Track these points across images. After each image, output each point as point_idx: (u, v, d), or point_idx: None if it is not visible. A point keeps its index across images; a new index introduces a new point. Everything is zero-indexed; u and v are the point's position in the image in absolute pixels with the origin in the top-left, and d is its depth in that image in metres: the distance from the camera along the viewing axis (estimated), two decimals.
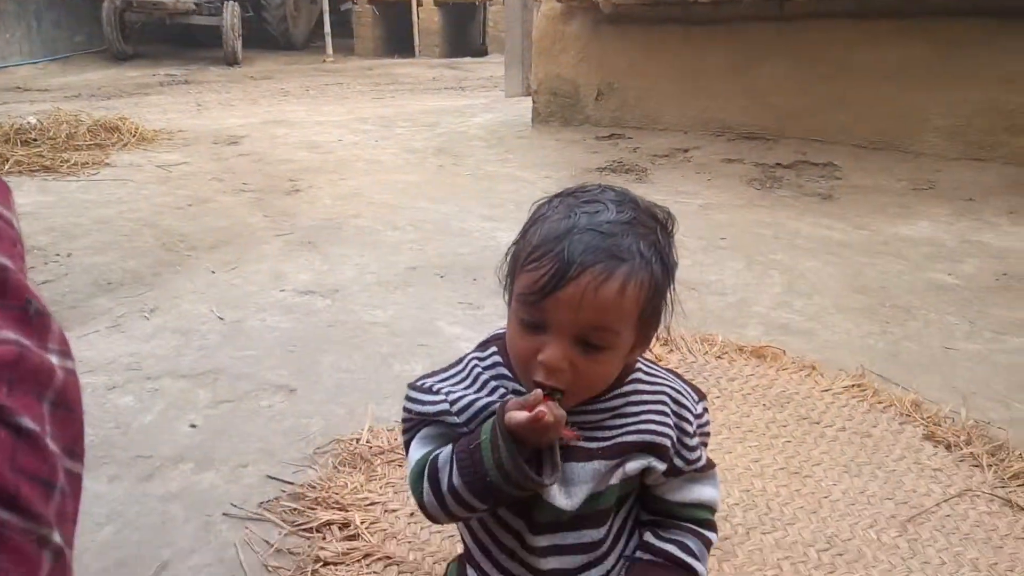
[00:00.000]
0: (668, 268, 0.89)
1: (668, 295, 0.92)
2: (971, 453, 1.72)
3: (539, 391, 0.86)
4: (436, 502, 0.93)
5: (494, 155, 4.94)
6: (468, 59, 12.33)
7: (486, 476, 0.88)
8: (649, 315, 0.89)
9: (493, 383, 0.98)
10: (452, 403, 0.97)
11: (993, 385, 2.06)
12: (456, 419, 0.97)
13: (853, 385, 2.01)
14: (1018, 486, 1.62)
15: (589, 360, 0.87)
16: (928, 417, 1.86)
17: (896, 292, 2.71)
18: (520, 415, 0.86)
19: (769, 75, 4.89)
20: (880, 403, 1.93)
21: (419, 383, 1.02)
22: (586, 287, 0.83)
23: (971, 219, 3.50)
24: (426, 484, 0.93)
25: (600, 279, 0.84)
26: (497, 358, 1.00)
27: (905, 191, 3.93)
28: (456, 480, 0.90)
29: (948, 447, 1.75)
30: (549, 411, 0.85)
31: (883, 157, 4.44)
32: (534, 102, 5.86)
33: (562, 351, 0.86)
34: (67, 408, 0.57)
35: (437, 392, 0.99)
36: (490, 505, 0.91)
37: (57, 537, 0.52)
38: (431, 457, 0.95)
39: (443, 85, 9.10)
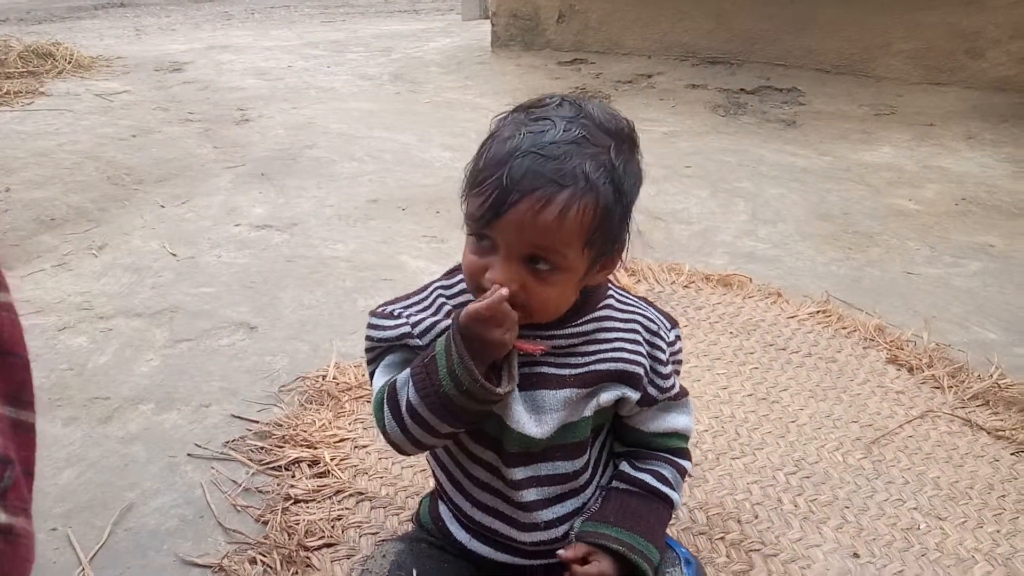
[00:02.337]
0: (620, 188, 0.85)
1: (624, 216, 0.88)
2: (932, 375, 1.75)
3: (504, 290, 0.84)
4: (396, 425, 0.91)
5: (453, 82, 4.80)
6: None
7: (440, 386, 0.86)
8: (599, 238, 0.85)
9: (452, 310, 0.95)
10: (414, 325, 0.94)
11: (952, 309, 2.10)
12: (419, 341, 0.94)
13: (818, 311, 2.03)
14: (977, 406, 1.66)
15: (539, 281, 0.85)
16: (891, 341, 1.89)
17: (858, 218, 2.73)
18: (477, 303, 0.84)
19: None
20: (844, 328, 1.96)
21: (380, 309, 0.99)
22: (525, 213, 0.81)
23: (931, 144, 3.52)
24: (386, 408, 0.91)
25: (539, 206, 0.81)
26: (464, 286, 0.97)
27: (867, 116, 3.93)
28: (413, 396, 0.88)
29: (910, 370, 1.78)
30: (505, 304, 0.83)
31: (846, 82, 4.42)
32: (493, 25, 5.67)
33: (509, 271, 0.84)
34: (5, 353, 0.52)
35: (399, 316, 0.96)
36: (448, 423, 0.89)
37: (1, 515, 0.48)
38: (391, 380, 0.92)
39: (396, 8, 8.75)
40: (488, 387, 0.85)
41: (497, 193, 0.82)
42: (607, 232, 0.86)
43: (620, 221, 0.88)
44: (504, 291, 0.83)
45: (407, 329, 0.94)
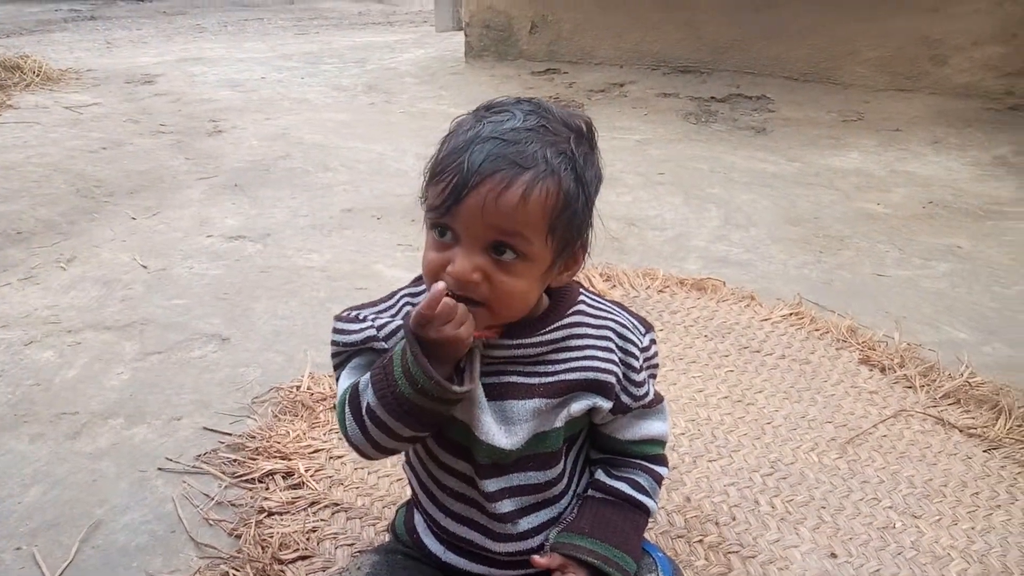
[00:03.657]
0: (582, 178, 0.85)
1: (586, 207, 0.87)
2: (904, 375, 1.77)
3: (440, 283, 0.82)
4: (357, 428, 0.89)
5: (427, 92, 4.80)
6: None
7: (396, 386, 0.84)
8: (562, 227, 0.85)
9: None
10: (379, 328, 0.93)
11: (922, 309, 2.13)
12: (384, 344, 0.92)
13: (791, 313, 2.05)
14: (949, 405, 1.68)
15: (502, 271, 0.84)
16: (863, 342, 1.91)
17: (828, 222, 2.76)
18: (419, 306, 0.82)
19: (704, 6, 4.84)
20: (817, 330, 1.98)
21: (345, 313, 0.97)
22: (486, 195, 0.80)
23: (898, 149, 3.58)
24: (348, 410, 0.89)
25: (500, 187, 0.80)
26: None
27: (835, 123, 3.99)
28: (372, 399, 0.86)
29: (883, 370, 1.80)
30: (450, 299, 0.81)
31: (814, 89, 4.49)
32: (466, 36, 5.69)
33: (471, 262, 0.83)
34: None
35: (364, 320, 0.94)
36: (408, 425, 0.86)
37: None
38: (355, 383, 0.90)
39: (370, 20, 8.75)
40: (444, 384, 0.82)
41: (457, 178, 0.81)
42: (570, 220, 0.85)
43: (583, 212, 0.87)
44: (441, 284, 0.82)
45: (372, 332, 0.93)
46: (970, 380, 1.75)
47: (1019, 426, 1.60)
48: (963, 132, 3.76)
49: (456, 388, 0.84)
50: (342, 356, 0.96)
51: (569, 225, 0.86)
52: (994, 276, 2.33)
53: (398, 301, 0.98)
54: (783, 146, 3.65)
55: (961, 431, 1.59)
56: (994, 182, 3.17)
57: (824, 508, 1.37)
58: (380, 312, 0.97)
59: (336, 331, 0.96)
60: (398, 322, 0.94)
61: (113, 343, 1.90)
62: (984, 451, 1.54)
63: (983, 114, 3.97)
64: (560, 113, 0.88)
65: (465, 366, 0.88)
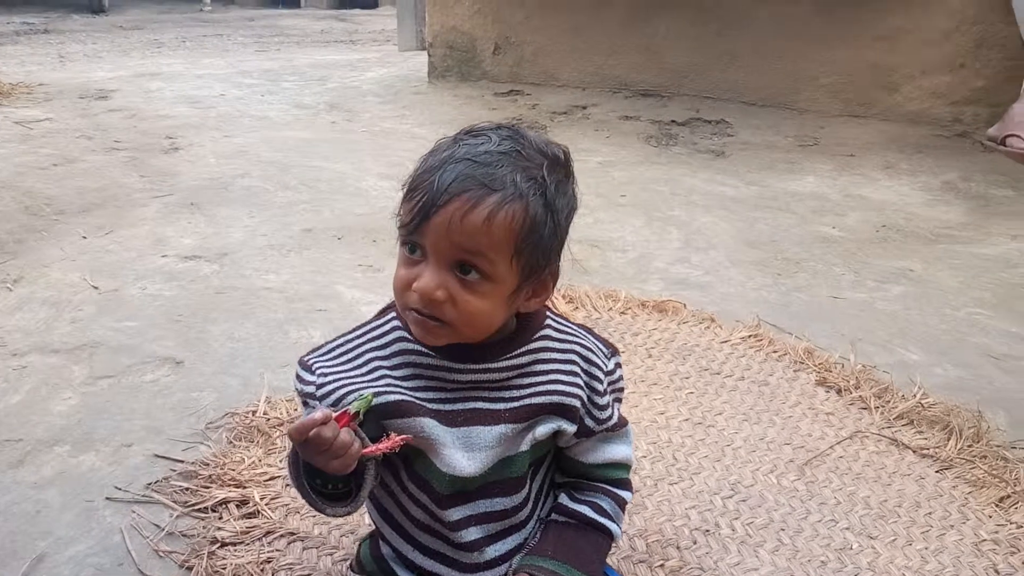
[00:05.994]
0: (551, 204, 0.86)
1: (555, 234, 0.88)
2: (860, 396, 1.80)
3: (318, 413, 0.81)
4: (297, 491, 0.92)
5: (390, 111, 4.79)
6: (358, 11, 11.89)
7: (298, 478, 0.90)
8: (528, 251, 0.85)
9: (376, 363, 0.93)
10: (318, 387, 0.91)
11: (876, 331, 2.17)
12: (319, 404, 0.91)
13: (750, 335, 2.07)
14: (902, 426, 1.71)
15: (466, 291, 0.84)
16: (820, 364, 1.94)
17: (786, 245, 2.81)
18: (292, 426, 0.83)
19: (664, 32, 4.93)
20: (775, 352, 2.00)
21: (304, 358, 0.96)
22: (452, 214, 0.82)
23: (852, 174, 3.67)
24: (289, 471, 0.92)
25: (467, 207, 0.82)
26: (396, 323, 0.95)
27: (792, 147, 4.08)
28: (290, 479, 0.92)
29: (839, 392, 1.83)
30: (325, 429, 0.81)
31: (771, 114, 4.59)
32: (430, 56, 5.71)
33: (436, 279, 0.84)
34: None
35: (314, 372, 0.93)
36: (325, 513, 0.91)
37: None
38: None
39: (332, 38, 8.73)
40: (317, 504, 0.89)
41: (427, 197, 0.83)
42: (536, 245, 0.86)
43: (551, 238, 0.87)
44: (318, 414, 0.81)
45: (311, 390, 0.92)
46: (922, 401, 1.78)
47: (969, 446, 1.63)
48: (913, 158, 3.88)
49: (327, 510, 0.89)
50: (301, 402, 0.95)
51: (535, 250, 0.86)
52: (944, 299, 2.40)
53: (360, 344, 0.96)
54: (742, 170, 3.72)
55: (914, 451, 1.62)
56: (943, 207, 3.26)
57: (783, 530, 1.38)
58: (336, 362, 0.94)
59: (296, 376, 0.95)
60: (345, 380, 0.92)
61: (61, 367, 1.84)
62: (936, 471, 1.57)
63: (932, 140, 4.10)
64: (537, 140, 0.89)
65: (363, 475, 0.90)
